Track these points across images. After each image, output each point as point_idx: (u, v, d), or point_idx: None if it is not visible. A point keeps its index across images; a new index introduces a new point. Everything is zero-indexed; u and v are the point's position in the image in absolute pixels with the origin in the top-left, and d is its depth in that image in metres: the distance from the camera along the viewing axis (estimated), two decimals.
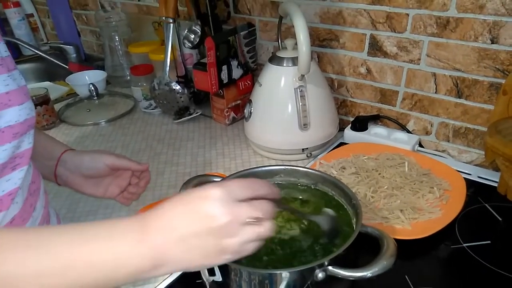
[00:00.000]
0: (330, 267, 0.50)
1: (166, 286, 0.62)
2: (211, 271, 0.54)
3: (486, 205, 0.75)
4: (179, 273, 0.63)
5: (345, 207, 0.63)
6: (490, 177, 0.82)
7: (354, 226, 0.59)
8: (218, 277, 0.54)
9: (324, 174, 0.66)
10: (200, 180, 0.69)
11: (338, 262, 0.51)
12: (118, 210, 0.81)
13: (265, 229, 0.40)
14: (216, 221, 0.37)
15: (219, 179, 0.67)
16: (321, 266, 0.50)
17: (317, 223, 0.58)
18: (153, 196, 0.84)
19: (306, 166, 0.72)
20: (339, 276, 0.50)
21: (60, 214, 0.71)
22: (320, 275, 0.50)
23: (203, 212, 0.37)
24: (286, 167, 0.68)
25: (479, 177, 0.83)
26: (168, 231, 0.37)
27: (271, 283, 0.51)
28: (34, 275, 0.34)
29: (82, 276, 0.35)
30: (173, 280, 0.63)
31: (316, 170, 0.68)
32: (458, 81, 0.82)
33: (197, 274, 0.59)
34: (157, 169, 0.93)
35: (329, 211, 0.59)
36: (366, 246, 0.53)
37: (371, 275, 0.49)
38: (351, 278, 0.50)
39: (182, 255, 0.37)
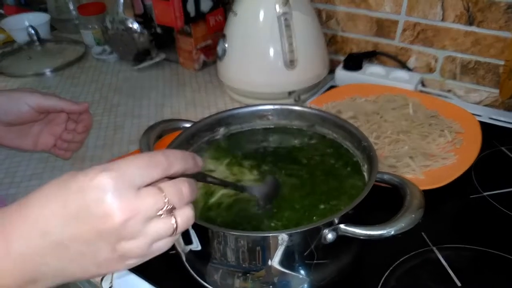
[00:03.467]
0: (342, 226, 0.40)
1: None
2: (186, 239, 0.43)
3: (503, 148, 0.66)
4: None
5: (351, 151, 0.51)
6: (503, 118, 0.73)
7: (366, 174, 0.47)
8: (196, 246, 0.43)
9: (323, 113, 0.53)
10: (167, 126, 0.55)
11: (348, 220, 0.41)
12: (68, 171, 0.66)
13: (181, 220, 0.30)
14: (108, 221, 0.26)
15: (189, 124, 0.54)
16: (329, 225, 0.40)
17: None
18: (112, 154, 0.70)
19: (300, 104, 0.59)
20: (353, 236, 0.40)
21: None
22: (330, 236, 0.40)
23: (88, 209, 0.26)
24: (275, 106, 0.55)
25: (490, 118, 0.73)
26: (39, 235, 0.27)
27: (264, 250, 0.40)
28: None
29: None
30: None
31: (313, 109, 0.55)
32: (469, 4, 0.70)
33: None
34: (115, 123, 0.79)
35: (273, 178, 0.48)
36: (370, 203, 0.42)
37: (394, 232, 0.40)
38: (368, 238, 0.40)
39: (62, 265, 0.28)
